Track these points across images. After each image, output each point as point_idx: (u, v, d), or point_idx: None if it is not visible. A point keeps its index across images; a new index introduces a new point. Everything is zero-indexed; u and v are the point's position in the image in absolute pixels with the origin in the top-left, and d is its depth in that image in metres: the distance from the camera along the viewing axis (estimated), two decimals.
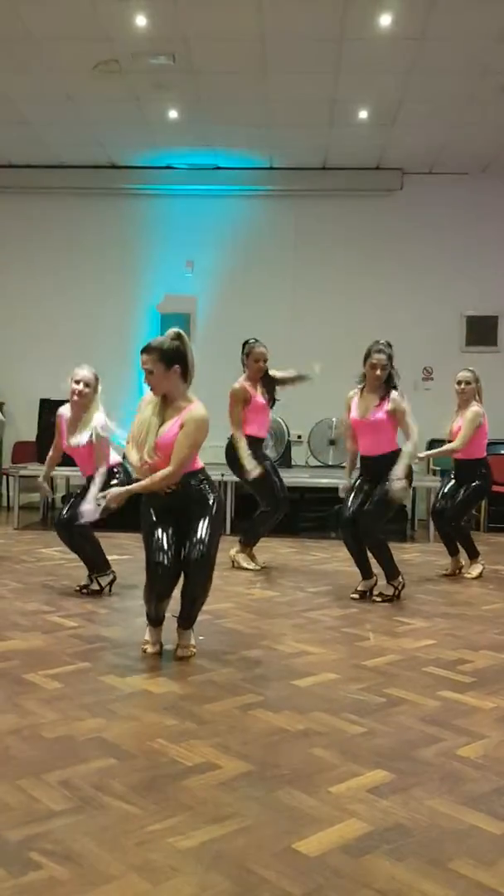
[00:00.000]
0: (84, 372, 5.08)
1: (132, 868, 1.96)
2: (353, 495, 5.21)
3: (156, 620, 3.83)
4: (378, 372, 5.09)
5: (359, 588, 5.22)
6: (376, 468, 5.11)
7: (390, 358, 5.12)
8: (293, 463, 9.09)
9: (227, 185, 9.56)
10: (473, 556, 6.13)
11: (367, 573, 5.26)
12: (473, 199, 9.45)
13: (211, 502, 3.71)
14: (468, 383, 5.95)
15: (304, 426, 9.15)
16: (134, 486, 3.83)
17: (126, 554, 5.94)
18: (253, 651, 3.91)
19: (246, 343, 6.11)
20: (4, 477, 9.36)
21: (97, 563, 5.13)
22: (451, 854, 2.07)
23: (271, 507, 6.08)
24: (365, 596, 5.17)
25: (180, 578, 3.71)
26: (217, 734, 2.83)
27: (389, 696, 3.28)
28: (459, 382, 5.97)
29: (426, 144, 8.66)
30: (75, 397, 5.05)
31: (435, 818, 2.26)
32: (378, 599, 5.11)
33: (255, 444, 5.97)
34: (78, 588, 5.12)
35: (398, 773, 2.54)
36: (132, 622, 4.38)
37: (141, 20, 6.20)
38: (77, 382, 5.03)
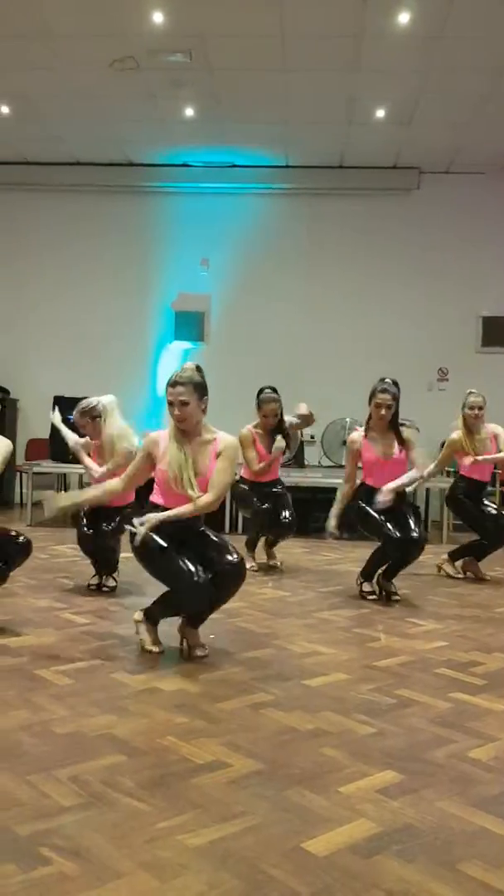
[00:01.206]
0: (77, 418, 5.13)
1: (141, 865, 1.97)
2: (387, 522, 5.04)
3: (155, 620, 3.82)
4: (383, 412, 5.05)
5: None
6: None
7: (395, 398, 5.07)
8: (306, 463, 9.09)
9: (243, 182, 9.57)
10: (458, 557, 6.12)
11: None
12: (491, 198, 9.42)
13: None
14: (480, 408, 5.90)
15: (317, 426, 9.10)
16: (172, 512, 3.67)
17: None
18: (264, 650, 3.90)
19: (260, 392, 6.11)
20: (18, 474, 9.39)
21: (114, 566, 5.18)
22: (460, 856, 2.06)
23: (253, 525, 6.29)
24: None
25: None
26: (227, 733, 2.83)
27: (400, 697, 3.27)
28: (473, 407, 5.88)
29: (443, 143, 8.64)
30: (85, 430, 5.15)
31: (445, 820, 2.25)
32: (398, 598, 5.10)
33: (255, 486, 6.10)
34: (94, 586, 5.12)
35: (408, 775, 2.54)
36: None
37: (158, 17, 6.21)
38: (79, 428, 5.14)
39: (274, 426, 6.08)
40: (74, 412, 5.16)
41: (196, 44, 6.63)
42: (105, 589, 5.11)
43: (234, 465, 3.80)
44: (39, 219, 9.83)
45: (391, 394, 5.07)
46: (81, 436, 5.25)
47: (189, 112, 8.05)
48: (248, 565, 5.98)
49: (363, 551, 6.83)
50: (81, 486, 9.26)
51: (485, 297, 9.46)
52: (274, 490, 6.19)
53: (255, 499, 6.10)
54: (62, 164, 9.52)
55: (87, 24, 6.34)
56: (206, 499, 3.66)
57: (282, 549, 6.51)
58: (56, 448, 8.20)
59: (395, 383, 5.15)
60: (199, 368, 3.75)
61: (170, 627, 3.87)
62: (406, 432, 5.16)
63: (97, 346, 9.49)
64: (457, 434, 5.97)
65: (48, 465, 8.33)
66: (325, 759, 2.64)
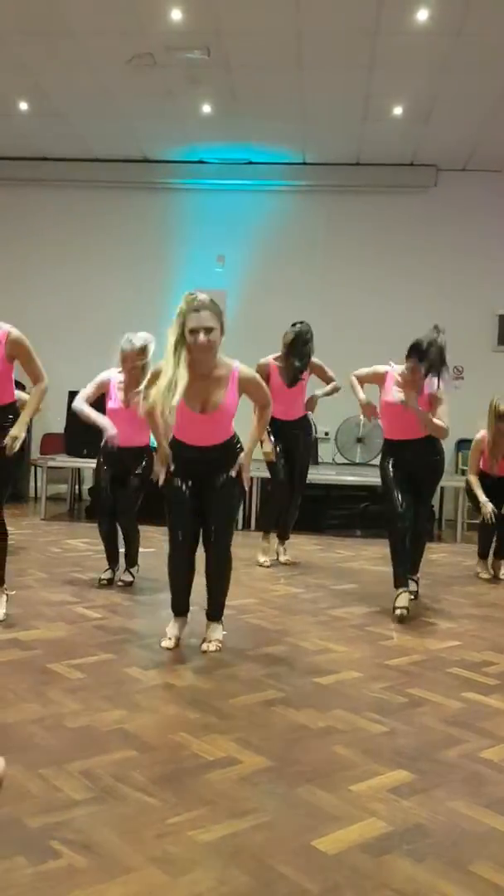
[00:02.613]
0: (131, 348, 4.97)
1: (151, 860, 1.97)
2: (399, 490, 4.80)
3: (178, 605, 3.86)
4: (412, 376, 4.79)
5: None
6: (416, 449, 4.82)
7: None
8: (320, 460, 9.07)
9: (260, 179, 9.54)
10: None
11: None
12: None
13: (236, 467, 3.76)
14: None
15: (332, 423, 9.12)
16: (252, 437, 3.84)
17: (151, 547, 5.96)
18: (276, 647, 3.90)
19: (293, 325, 6.03)
20: (33, 468, 9.43)
21: (134, 556, 5.20)
22: (470, 856, 2.05)
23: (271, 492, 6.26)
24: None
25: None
26: (238, 729, 2.83)
27: (412, 696, 3.27)
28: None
29: (461, 141, 8.59)
30: (127, 376, 5.02)
31: (455, 820, 2.25)
32: (411, 598, 4.89)
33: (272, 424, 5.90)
34: (105, 581, 5.12)
35: (419, 774, 2.53)
36: (156, 615, 4.39)
37: (176, 14, 6.21)
38: (125, 361, 4.99)
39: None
40: (130, 347, 4.97)
41: (213, 41, 6.62)
42: (120, 583, 5.10)
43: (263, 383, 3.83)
44: (56, 215, 9.85)
45: (419, 359, 4.75)
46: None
47: (206, 109, 8.05)
48: (260, 560, 6.07)
49: (376, 549, 6.83)
50: (96, 480, 9.31)
51: (501, 295, 9.40)
52: (294, 431, 6.06)
53: (277, 466, 6.00)
54: (79, 161, 9.53)
55: (105, 22, 6.35)
56: (265, 415, 3.79)
57: (294, 545, 6.50)
58: (71, 442, 8.24)
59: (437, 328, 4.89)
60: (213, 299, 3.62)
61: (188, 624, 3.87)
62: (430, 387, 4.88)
63: (112, 342, 9.49)
64: (482, 434, 6.02)
65: (63, 460, 8.36)
66: (336, 757, 2.64)
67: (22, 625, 4.06)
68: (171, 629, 3.85)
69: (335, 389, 6.16)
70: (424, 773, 2.54)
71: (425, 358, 4.66)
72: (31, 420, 4.14)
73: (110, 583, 5.12)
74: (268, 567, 5.97)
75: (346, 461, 9.14)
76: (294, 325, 6.05)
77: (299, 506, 6.28)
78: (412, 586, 4.90)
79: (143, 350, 4.96)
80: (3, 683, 3.18)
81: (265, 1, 5.99)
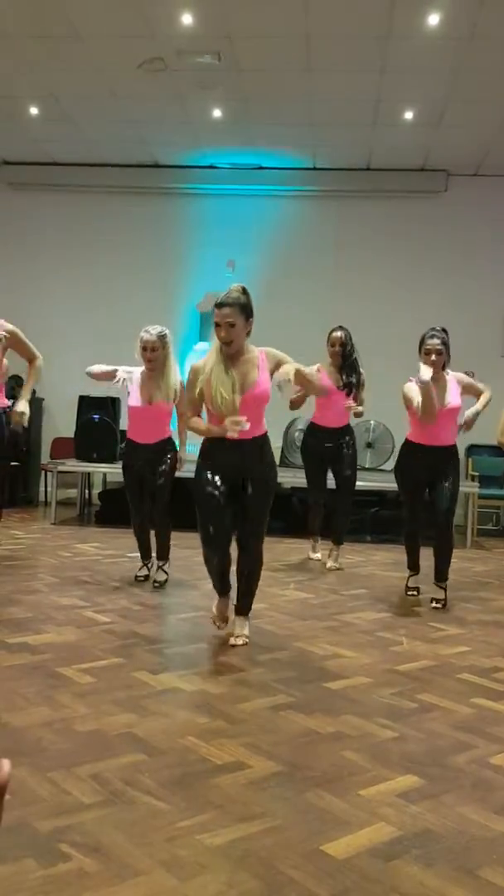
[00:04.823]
0: (150, 336, 5.00)
1: (160, 863, 1.97)
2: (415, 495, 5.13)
3: (221, 587, 3.99)
4: (433, 357, 4.81)
5: (411, 584, 5.29)
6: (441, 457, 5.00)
7: (445, 343, 4.86)
8: None
9: (270, 185, 9.55)
10: None
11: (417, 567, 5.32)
12: None
13: (273, 465, 3.92)
14: None
15: None
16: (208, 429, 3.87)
17: None
18: (285, 652, 3.90)
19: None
20: (43, 472, 9.46)
21: (167, 551, 5.25)
22: (480, 862, 2.05)
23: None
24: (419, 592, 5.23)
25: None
26: (248, 734, 2.83)
27: (422, 701, 3.26)
28: None
29: (472, 146, 8.57)
30: (148, 364, 5.04)
31: (465, 825, 2.24)
32: (438, 606, 4.97)
33: (319, 434, 6.24)
34: (141, 577, 5.27)
35: (429, 779, 2.52)
36: (166, 619, 4.40)
37: (187, 19, 6.23)
38: (145, 349, 5.00)
39: (341, 360, 6.06)
40: (149, 336, 5.01)
41: (224, 45, 6.64)
42: (156, 584, 5.15)
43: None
44: (65, 220, 9.88)
45: (440, 339, 4.84)
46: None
47: (216, 113, 8.06)
48: (311, 555, 6.36)
49: (386, 554, 6.83)
50: (105, 485, 9.33)
51: None
52: (341, 442, 6.20)
53: (312, 487, 6.31)
54: (89, 166, 9.57)
55: (115, 26, 6.37)
56: (292, 366, 3.78)
57: (304, 551, 6.50)
58: (80, 447, 8.26)
59: (444, 330, 4.97)
60: (245, 290, 3.81)
61: (191, 626, 3.88)
62: (460, 375, 5.06)
63: (122, 347, 9.46)
64: None
65: (73, 464, 8.38)
66: (345, 762, 2.63)
67: (32, 629, 4.07)
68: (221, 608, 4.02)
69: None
70: (434, 778, 2.53)
71: (435, 335, 4.85)
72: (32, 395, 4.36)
73: (146, 579, 5.24)
74: (317, 559, 6.37)
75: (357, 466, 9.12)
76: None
77: (349, 508, 6.45)
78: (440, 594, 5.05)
79: (161, 338, 4.97)
80: (13, 687, 3.19)
81: (276, 5, 6.00)
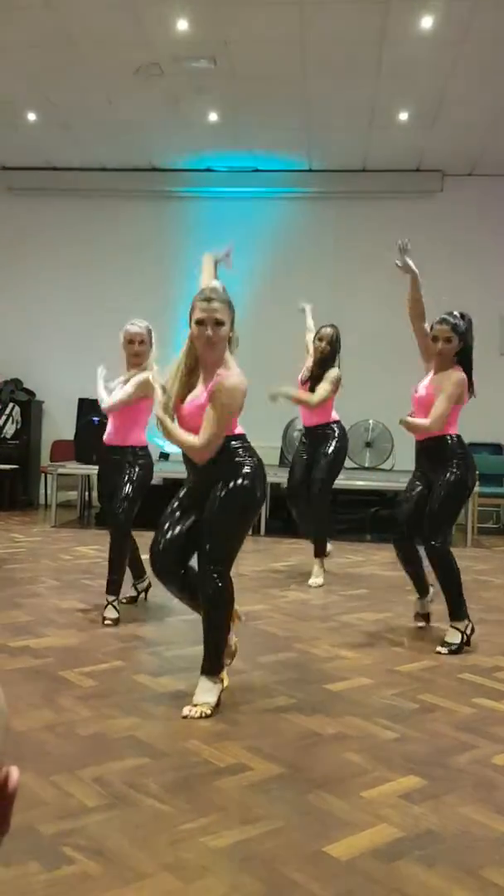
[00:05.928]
0: (138, 329, 4.68)
1: (164, 866, 1.98)
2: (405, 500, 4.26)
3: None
4: (440, 345, 4.15)
5: (418, 610, 4.48)
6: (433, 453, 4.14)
7: (456, 332, 4.17)
8: None
9: (266, 187, 9.57)
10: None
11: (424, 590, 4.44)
12: None
13: (243, 471, 3.04)
14: None
15: None
16: (167, 422, 3.05)
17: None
18: (286, 654, 3.91)
19: None
20: (43, 475, 9.47)
21: (118, 583, 4.49)
22: (482, 862, 2.06)
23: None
24: (428, 620, 4.47)
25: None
26: (249, 736, 2.83)
27: (423, 702, 3.27)
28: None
29: (467, 146, 8.60)
30: (133, 359, 4.68)
31: (467, 826, 2.25)
32: (444, 651, 3.98)
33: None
34: (132, 596, 4.86)
35: (431, 780, 2.53)
36: (166, 622, 4.41)
37: (182, 24, 6.24)
38: (132, 342, 4.66)
39: (320, 354, 5.98)
40: (136, 328, 4.64)
41: (220, 50, 6.65)
42: (123, 601, 4.62)
43: (226, 415, 3.00)
44: (64, 224, 9.90)
45: (450, 324, 4.15)
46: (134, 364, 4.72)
47: (212, 117, 8.08)
48: (316, 581, 5.56)
49: (386, 554, 6.83)
50: (100, 487, 9.31)
51: None
52: (314, 439, 5.83)
53: (294, 477, 6.03)
54: (87, 170, 9.59)
55: (112, 32, 6.39)
56: (191, 440, 3.00)
57: (305, 551, 6.50)
58: (81, 450, 8.27)
59: (463, 316, 4.27)
60: (225, 290, 3.22)
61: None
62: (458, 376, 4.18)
63: (121, 350, 9.52)
64: None
65: (73, 467, 8.39)
66: (347, 763, 2.64)
67: (33, 632, 4.08)
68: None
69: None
70: (435, 778, 2.54)
71: (445, 320, 4.25)
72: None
73: (139, 596, 4.87)
74: (319, 587, 5.59)
75: (355, 465, 9.13)
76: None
77: (316, 517, 5.86)
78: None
79: (149, 331, 4.68)
80: (15, 691, 3.19)
81: (271, 10, 6.02)
